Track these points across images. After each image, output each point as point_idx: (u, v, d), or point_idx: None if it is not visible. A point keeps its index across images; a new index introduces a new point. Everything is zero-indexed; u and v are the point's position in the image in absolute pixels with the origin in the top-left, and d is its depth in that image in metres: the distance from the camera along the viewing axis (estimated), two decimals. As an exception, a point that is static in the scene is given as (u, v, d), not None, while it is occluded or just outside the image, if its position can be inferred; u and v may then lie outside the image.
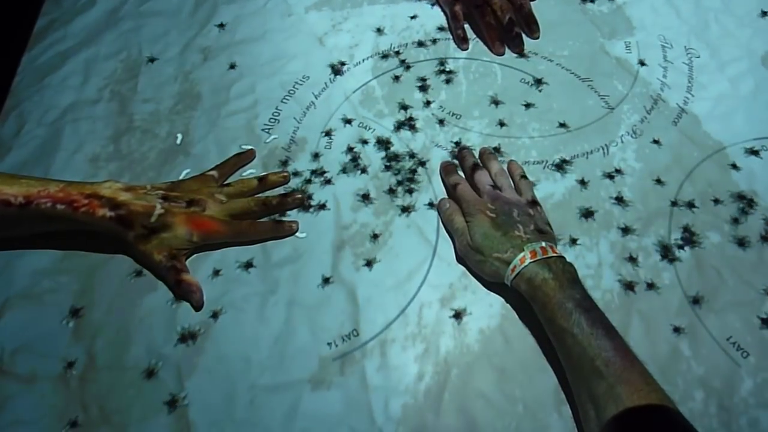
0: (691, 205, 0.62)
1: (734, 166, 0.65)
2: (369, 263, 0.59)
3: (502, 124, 0.68)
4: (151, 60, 0.74)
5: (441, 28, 0.78)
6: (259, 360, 0.54)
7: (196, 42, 0.77)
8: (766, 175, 0.64)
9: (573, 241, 0.60)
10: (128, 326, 0.55)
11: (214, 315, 0.56)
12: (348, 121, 0.69)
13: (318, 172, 0.65)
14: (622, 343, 0.48)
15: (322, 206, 0.62)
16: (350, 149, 0.66)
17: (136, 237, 0.56)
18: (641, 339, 0.54)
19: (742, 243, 0.60)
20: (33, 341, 0.54)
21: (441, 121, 0.69)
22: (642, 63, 0.74)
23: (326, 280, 0.58)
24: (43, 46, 0.76)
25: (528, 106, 0.70)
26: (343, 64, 0.74)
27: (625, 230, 0.60)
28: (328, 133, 0.68)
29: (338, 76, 0.73)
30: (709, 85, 0.72)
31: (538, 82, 0.72)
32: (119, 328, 0.55)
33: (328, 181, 0.64)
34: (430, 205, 0.63)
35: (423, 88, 0.72)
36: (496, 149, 0.66)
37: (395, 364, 0.53)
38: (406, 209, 0.62)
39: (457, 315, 0.56)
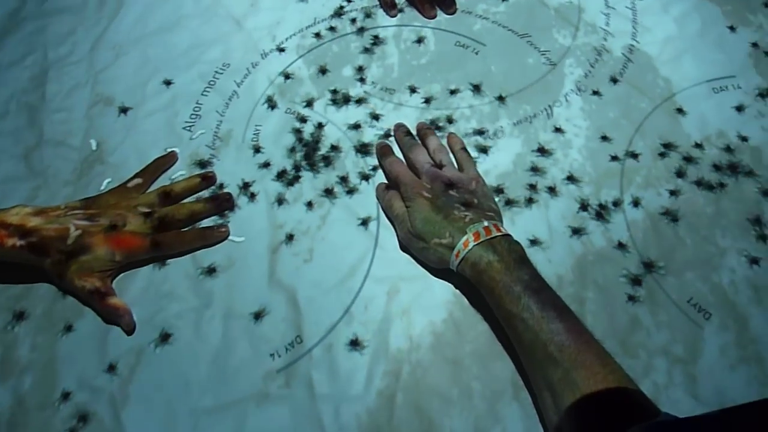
0: (642, 161, 0.59)
1: (685, 113, 0.62)
2: (307, 263, 0.55)
3: (439, 94, 0.64)
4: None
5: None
6: (198, 381, 0.50)
7: (105, 38, 0.71)
8: (718, 120, 0.61)
9: (528, 214, 0.56)
10: (55, 361, 0.51)
11: (147, 336, 0.52)
12: (274, 108, 0.64)
13: (246, 169, 0.60)
14: (576, 324, 0.45)
15: (252, 204, 0.58)
16: (278, 138, 0.62)
17: (53, 264, 0.52)
18: (599, 312, 0.51)
19: (698, 198, 0.57)
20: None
21: (374, 98, 0.64)
22: (583, 12, 0.69)
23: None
24: (-62, 59, 0.70)
25: (465, 71, 0.66)
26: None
27: (574, 197, 0.57)
28: (254, 124, 0.63)
29: (261, 60, 0.67)
30: (654, 28, 0.68)
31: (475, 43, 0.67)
32: (45, 364, 0.51)
33: (256, 179, 0.60)
34: (368, 192, 0.59)
35: (352, 64, 0.67)
36: (434, 123, 0.62)
37: (343, 369, 0.50)
38: (341, 199, 0.58)
39: (405, 308, 0.52)
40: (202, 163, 0.61)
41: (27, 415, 0.49)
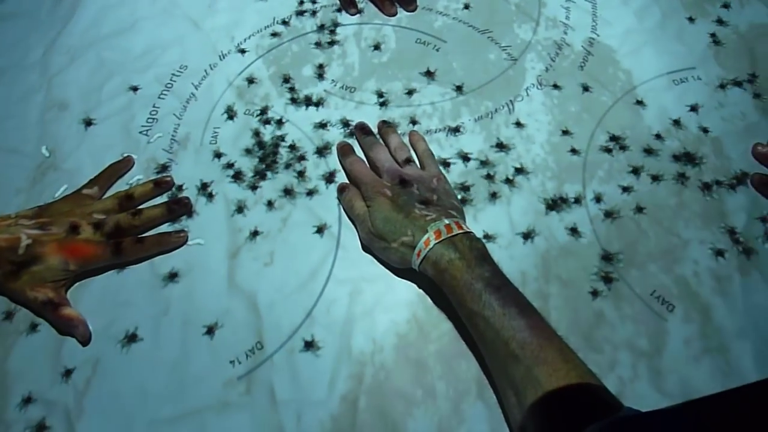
0: (604, 153, 0.59)
1: (646, 106, 0.61)
2: (268, 266, 0.54)
3: (400, 92, 0.63)
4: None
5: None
6: (156, 391, 0.48)
7: (59, 42, 0.69)
8: (679, 111, 0.61)
9: (490, 210, 0.56)
10: (7, 373, 0.50)
11: (103, 346, 0.50)
12: (233, 111, 0.63)
13: (204, 172, 0.59)
14: (538, 320, 0.44)
15: (211, 208, 0.57)
16: (237, 141, 0.61)
17: (3, 275, 0.50)
18: (563, 307, 0.51)
19: (660, 189, 0.56)
20: None
21: (335, 98, 0.63)
22: (543, 6, 0.69)
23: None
24: None
25: (426, 69, 0.65)
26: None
27: (537, 192, 0.57)
28: (212, 126, 0.62)
29: (219, 61, 0.66)
30: (614, 21, 0.68)
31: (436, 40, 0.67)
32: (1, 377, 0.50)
33: (214, 181, 0.58)
34: (329, 192, 0.58)
35: (312, 63, 0.66)
36: (395, 121, 0.61)
37: (305, 374, 0.49)
38: (301, 199, 0.57)
39: (368, 309, 0.52)
40: (160, 168, 0.59)
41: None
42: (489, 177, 0.58)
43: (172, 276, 0.53)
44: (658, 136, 0.60)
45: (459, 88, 0.63)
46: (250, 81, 0.65)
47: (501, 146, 0.59)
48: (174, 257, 0.54)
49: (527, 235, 0.54)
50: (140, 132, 0.62)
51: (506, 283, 0.46)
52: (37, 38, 0.69)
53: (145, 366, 0.50)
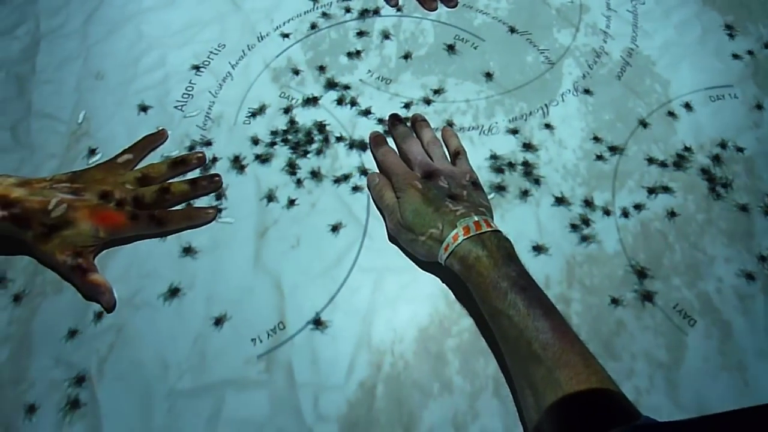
0: (636, 165, 0.59)
1: (680, 120, 0.61)
2: (294, 249, 0.54)
3: (435, 87, 0.64)
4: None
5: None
6: (177, 362, 0.49)
7: (100, 12, 0.69)
8: (714, 129, 0.61)
9: (519, 211, 0.56)
10: (31, 335, 0.50)
11: (127, 315, 0.51)
12: (269, 92, 0.63)
13: (236, 153, 0.59)
14: (561, 323, 0.45)
15: (242, 187, 0.57)
16: (272, 123, 0.61)
17: (35, 236, 0.51)
18: (584, 313, 0.51)
19: (689, 204, 0.57)
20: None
21: (370, 88, 0.63)
22: (584, 13, 0.69)
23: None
24: (-73, 24, 0.68)
25: (463, 65, 0.65)
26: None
27: (566, 197, 0.57)
28: (247, 107, 0.62)
29: (257, 42, 0.67)
30: (654, 33, 0.67)
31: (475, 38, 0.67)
32: (22, 338, 0.50)
33: (246, 162, 0.59)
34: (360, 180, 0.58)
35: (350, 52, 0.66)
36: (429, 115, 0.62)
37: (325, 358, 0.49)
38: (332, 186, 0.57)
39: (391, 299, 0.52)
40: (193, 144, 0.60)
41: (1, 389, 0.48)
42: (519, 177, 0.58)
43: (199, 251, 0.54)
44: (690, 151, 0.60)
45: (500, 85, 0.63)
46: (287, 64, 0.65)
47: (533, 148, 0.59)
48: (202, 233, 0.55)
49: (553, 238, 0.54)
50: (175, 107, 0.62)
51: (532, 284, 0.47)
52: (77, 6, 0.70)
53: (167, 337, 0.50)
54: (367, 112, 0.62)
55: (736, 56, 0.66)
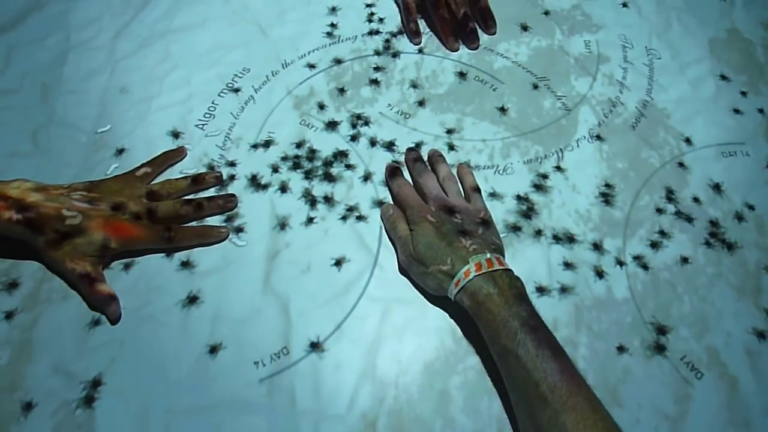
0: (647, 215, 0.59)
1: (692, 173, 0.62)
2: (304, 274, 0.54)
3: (452, 125, 0.64)
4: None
5: (392, 22, 0.73)
6: (178, 380, 0.49)
7: (130, 28, 0.71)
8: (725, 185, 0.62)
9: (530, 252, 0.56)
10: (32, 342, 0.50)
11: (131, 328, 0.51)
12: (289, 118, 0.64)
13: (254, 173, 0.60)
14: (570, 366, 0.44)
15: (256, 208, 0.58)
16: (290, 148, 0.62)
17: (46, 242, 0.51)
18: (591, 358, 0.51)
19: (699, 256, 0.57)
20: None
21: (389, 121, 0.64)
22: (601, 63, 0.70)
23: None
24: (-42, 28, 0.70)
25: (481, 106, 0.66)
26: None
27: (578, 241, 0.57)
28: (267, 131, 0.63)
29: (281, 69, 0.68)
30: (669, 87, 0.69)
31: (494, 80, 0.68)
32: (22, 344, 0.50)
33: (263, 184, 0.59)
34: (373, 210, 0.58)
35: (371, 84, 0.67)
36: (447, 150, 0.62)
37: (328, 386, 0.49)
38: (346, 215, 0.58)
39: (398, 332, 0.52)
40: (211, 163, 0.60)
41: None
42: (531, 219, 0.58)
43: (209, 270, 0.54)
44: (700, 204, 0.60)
45: (517, 127, 0.64)
46: (309, 93, 0.66)
47: (546, 191, 0.60)
48: (213, 251, 0.55)
49: (562, 282, 0.55)
50: (196, 125, 0.63)
51: (542, 326, 0.46)
52: (109, 21, 0.71)
53: (171, 353, 0.50)
54: (384, 145, 0.63)
55: (748, 114, 0.67)
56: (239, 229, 0.56)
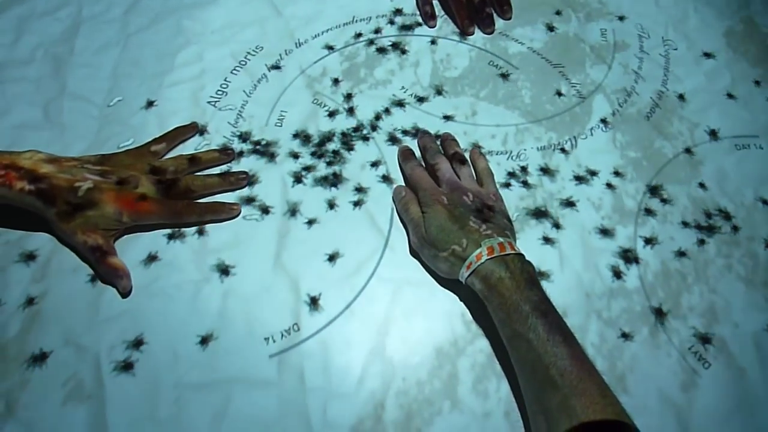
0: (659, 205, 0.59)
1: (705, 165, 0.62)
2: (315, 253, 0.54)
3: (466, 109, 0.64)
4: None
5: (408, 4, 0.73)
6: (187, 355, 0.49)
7: (142, 3, 0.70)
8: (737, 177, 0.62)
9: (541, 239, 0.56)
10: (45, 311, 0.50)
11: (141, 302, 0.51)
12: (301, 97, 0.64)
13: (267, 151, 0.60)
14: (580, 352, 0.44)
15: (268, 186, 0.57)
16: (302, 127, 0.61)
17: (58, 214, 0.51)
18: (600, 345, 0.51)
19: (712, 249, 0.57)
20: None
21: (401, 103, 0.64)
22: (617, 52, 0.70)
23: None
24: (-30, -2, 0.69)
25: (495, 91, 0.66)
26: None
27: (590, 227, 0.57)
28: (279, 109, 0.63)
29: (294, 48, 0.67)
30: (684, 78, 0.68)
31: (508, 65, 0.68)
32: (35, 314, 0.50)
33: (275, 162, 0.59)
34: (385, 192, 0.58)
35: (384, 67, 0.67)
36: (461, 134, 0.62)
37: (337, 364, 0.49)
38: (357, 195, 0.58)
39: (407, 313, 0.52)
40: (227, 139, 0.60)
41: (6, 363, 0.48)
42: (543, 205, 0.58)
43: (221, 247, 0.54)
44: (712, 195, 0.60)
45: (531, 113, 0.64)
46: (322, 72, 0.66)
47: (559, 178, 0.60)
48: (225, 228, 0.55)
49: (573, 268, 0.55)
50: (208, 102, 0.63)
51: (552, 311, 0.47)
52: (121, -6, 0.71)
53: (180, 328, 0.50)
54: (397, 127, 0.62)
55: (763, 107, 0.67)
56: (251, 200, 0.56)
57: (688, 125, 0.65)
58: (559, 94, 0.66)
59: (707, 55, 0.71)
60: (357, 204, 0.57)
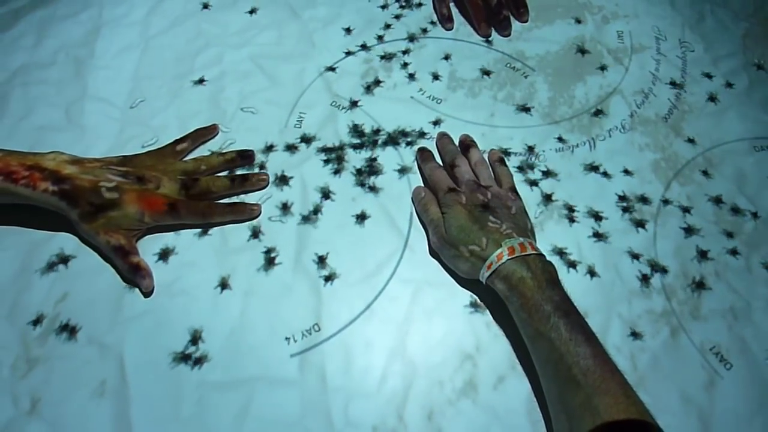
0: (678, 206, 0.59)
1: (723, 166, 0.62)
2: (336, 253, 0.54)
3: (483, 111, 0.64)
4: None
5: (425, 7, 0.73)
6: (210, 354, 0.49)
7: (163, 6, 0.71)
8: (757, 178, 0.61)
9: (555, 249, 0.56)
10: (70, 310, 0.51)
11: (163, 301, 0.51)
12: (320, 99, 0.64)
13: (286, 150, 0.60)
14: (602, 352, 0.44)
15: (287, 190, 0.58)
16: (321, 128, 0.62)
17: (81, 214, 0.51)
18: (622, 345, 0.51)
19: (731, 250, 0.57)
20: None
21: (420, 105, 0.64)
22: (634, 54, 0.70)
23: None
24: (-7, 2, 0.70)
25: (513, 93, 0.66)
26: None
27: (610, 230, 0.57)
28: (298, 111, 0.63)
29: (312, 50, 0.68)
30: (702, 80, 0.68)
31: (525, 67, 0.68)
32: (58, 313, 0.50)
33: (295, 162, 0.59)
34: (404, 193, 0.58)
35: (403, 68, 0.67)
36: (479, 136, 0.62)
37: (358, 364, 0.49)
38: (377, 196, 0.58)
39: (428, 313, 0.52)
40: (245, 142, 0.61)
41: (32, 363, 0.48)
42: (564, 208, 0.58)
43: (241, 247, 0.54)
44: (732, 196, 0.60)
45: (549, 115, 0.64)
46: (341, 74, 0.66)
47: (577, 180, 0.60)
48: (245, 228, 0.55)
49: (593, 271, 0.55)
50: (229, 103, 0.63)
51: (574, 310, 0.47)
52: (142, -1, 0.72)
53: (202, 328, 0.50)
54: (415, 129, 0.62)
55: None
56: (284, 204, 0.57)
57: (707, 126, 0.65)
58: (577, 95, 0.66)
59: (724, 56, 0.70)
60: (376, 204, 0.57)
